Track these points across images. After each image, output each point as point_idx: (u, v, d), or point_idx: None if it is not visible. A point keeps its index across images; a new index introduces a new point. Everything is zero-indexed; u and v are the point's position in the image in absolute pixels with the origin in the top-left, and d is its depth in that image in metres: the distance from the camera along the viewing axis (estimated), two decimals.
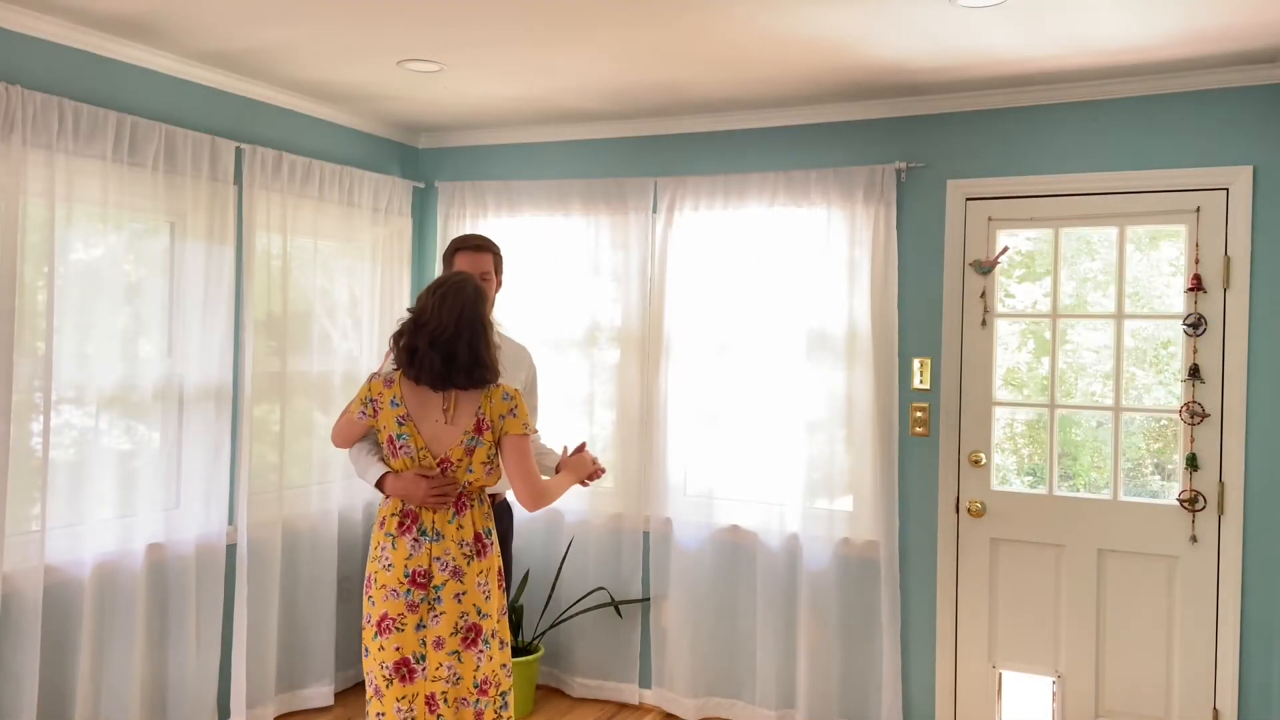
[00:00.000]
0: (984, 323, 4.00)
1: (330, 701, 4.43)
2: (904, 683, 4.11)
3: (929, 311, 4.09)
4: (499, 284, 3.40)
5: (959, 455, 4.04)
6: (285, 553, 4.27)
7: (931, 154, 4.09)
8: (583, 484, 3.18)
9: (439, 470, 2.83)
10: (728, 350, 4.41)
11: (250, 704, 4.09)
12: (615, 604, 4.51)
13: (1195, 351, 3.70)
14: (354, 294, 4.66)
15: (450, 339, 2.76)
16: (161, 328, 3.82)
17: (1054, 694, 3.91)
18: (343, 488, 4.59)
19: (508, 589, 3.22)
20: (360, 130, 4.76)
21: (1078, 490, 3.98)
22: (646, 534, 4.56)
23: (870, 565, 4.15)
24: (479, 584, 2.84)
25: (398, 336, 2.84)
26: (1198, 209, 3.70)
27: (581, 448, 3.21)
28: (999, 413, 4.05)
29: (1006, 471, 4.08)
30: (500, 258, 3.41)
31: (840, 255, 4.19)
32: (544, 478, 2.97)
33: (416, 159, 5.14)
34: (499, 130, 4.90)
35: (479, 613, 2.83)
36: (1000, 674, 4.00)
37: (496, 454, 2.87)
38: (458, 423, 2.83)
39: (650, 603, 4.54)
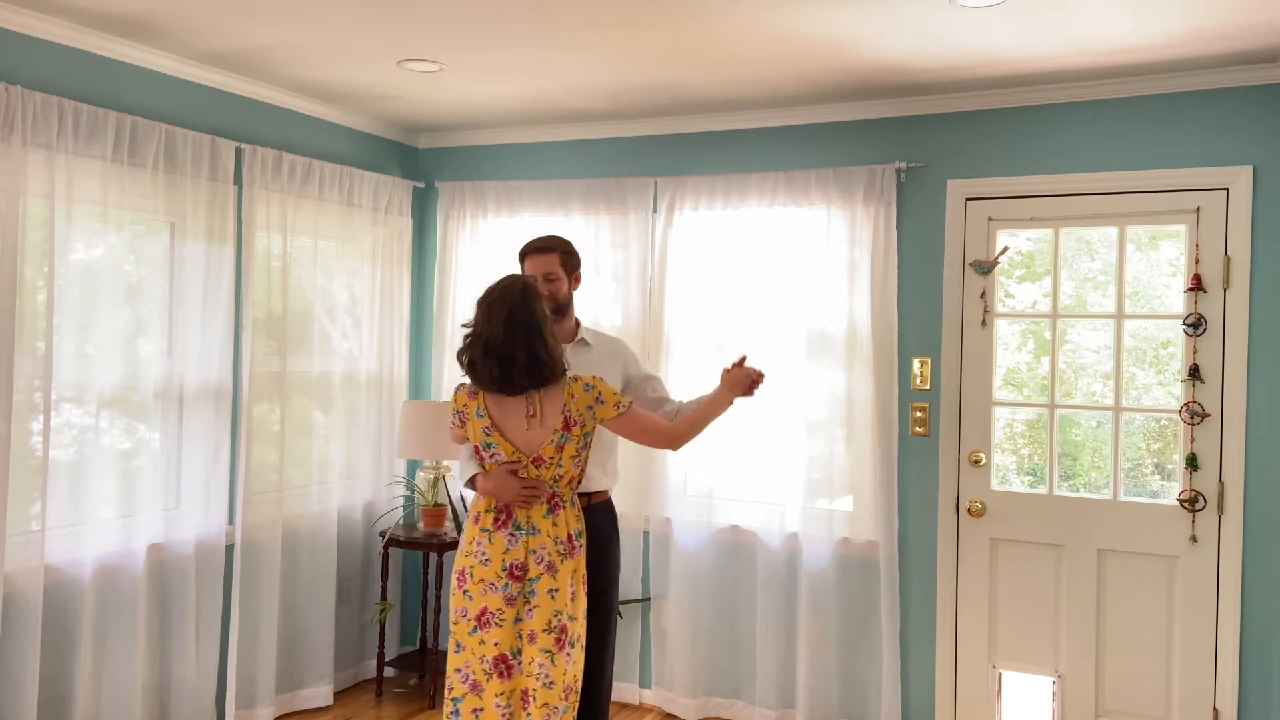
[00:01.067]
0: (984, 323, 4.00)
1: (330, 701, 4.43)
2: (904, 683, 4.11)
3: (929, 311, 4.09)
4: (577, 280, 3.26)
5: (959, 455, 4.04)
6: (285, 553, 4.26)
7: (931, 154, 4.09)
8: (746, 394, 3.08)
9: (533, 468, 2.87)
10: (728, 350, 4.40)
11: (250, 704, 4.09)
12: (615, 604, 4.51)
13: (1195, 351, 3.70)
14: (354, 294, 4.66)
15: (503, 343, 2.79)
16: (161, 328, 3.82)
17: (1054, 694, 3.91)
18: (343, 487, 4.59)
19: (615, 591, 3.22)
20: (360, 130, 4.76)
21: (1078, 490, 3.98)
22: (646, 534, 4.55)
23: (870, 565, 4.15)
24: (569, 585, 2.86)
25: (460, 353, 2.89)
26: (1198, 209, 3.70)
27: (741, 362, 3.11)
28: (999, 413, 4.05)
29: (1006, 471, 4.08)
30: (571, 254, 3.23)
31: (840, 255, 4.19)
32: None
33: (416, 159, 5.14)
34: (499, 130, 4.90)
35: (568, 615, 2.85)
36: (1000, 674, 4.00)
37: (585, 446, 2.90)
38: (547, 423, 2.85)
39: (650, 603, 4.53)
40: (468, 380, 2.93)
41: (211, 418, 3.93)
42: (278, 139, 4.29)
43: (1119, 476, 3.83)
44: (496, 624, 2.81)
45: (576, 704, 2.90)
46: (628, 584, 4.55)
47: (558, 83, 4.02)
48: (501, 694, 2.82)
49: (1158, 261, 3.88)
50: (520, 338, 2.78)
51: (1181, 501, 3.70)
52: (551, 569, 2.85)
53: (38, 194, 3.33)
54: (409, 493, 4.88)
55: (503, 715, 2.82)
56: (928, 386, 4.09)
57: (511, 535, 2.86)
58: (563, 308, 3.18)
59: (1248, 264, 3.62)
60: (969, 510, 4.02)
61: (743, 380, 3.05)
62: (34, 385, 3.35)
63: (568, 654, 2.83)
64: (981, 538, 4.01)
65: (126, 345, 3.67)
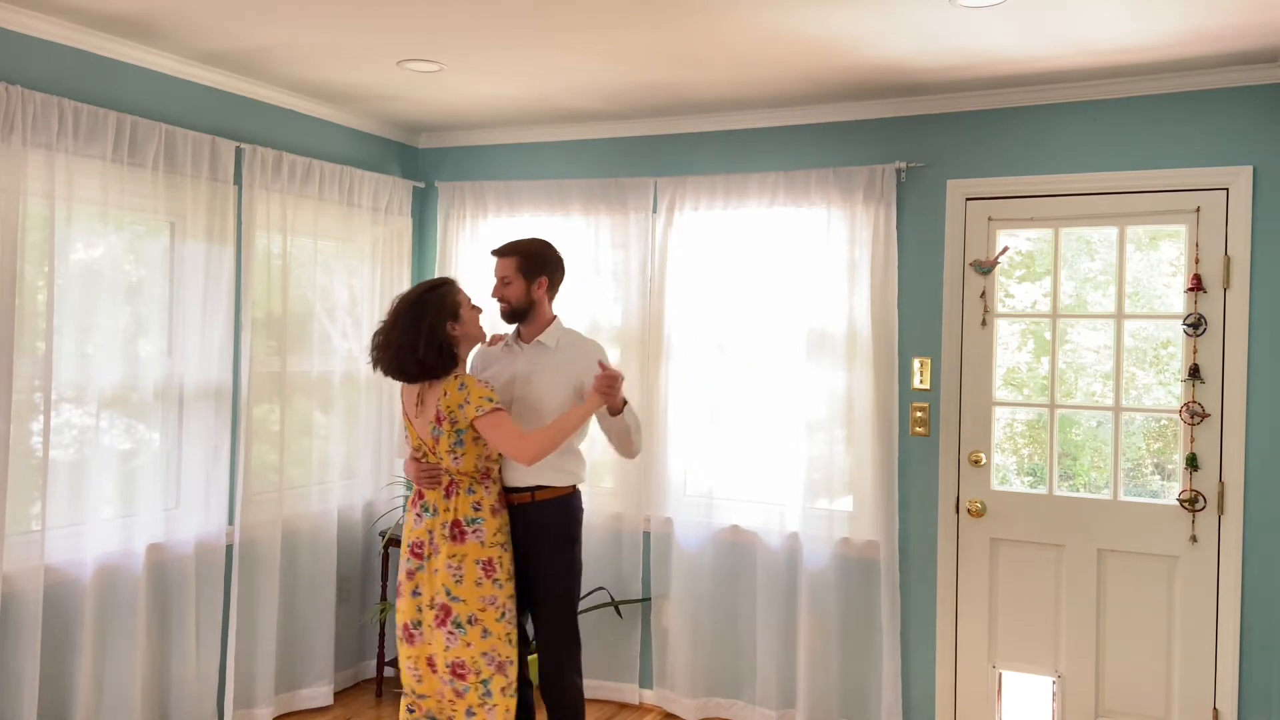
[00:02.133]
0: (984, 323, 4.00)
1: (329, 701, 4.43)
2: (904, 682, 4.11)
3: (929, 311, 4.09)
4: (542, 284, 3.24)
5: (959, 455, 4.04)
6: (285, 553, 4.27)
7: (931, 154, 4.09)
8: (606, 396, 3.06)
9: (432, 455, 3.13)
10: (728, 350, 4.41)
11: (250, 704, 4.09)
12: (615, 604, 4.51)
13: (1195, 351, 3.70)
14: (354, 294, 4.66)
15: (382, 339, 3.11)
16: (161, 328, 3.82)
17: (1054, 694, 3.91)
18: (342, 487, 4.59)
19: (562, 591, 3.21)
20: (360, 130, 4.76)
21: (1078, 490, 3.98)
22: (647, 534, 4.55)
23: (870, 565, 4.15)
24: (449, 566, 3.04)
25: None
26: (1198, 209, 3.70)
27: (601, 367, 3.11)
28: (999, 413, 4.05)
29: (1006, 471, 4.08)
30: (531, 257, 3.24)
31: (840, 255, 4.19)
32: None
33: (416, 159, 5.14)
34: (499, 130, 4.90)
35: (448, 594, 3.04)
36: (1000, 674, 4.00)
37: (459, 444, 3.06)
38: (425, 414, 3.10)
39: (650, 603, 4.54)
40: None
41: (211, 418, 3.93)
42: (278, 139, 4.29)
43: (1119, 476, 3.83)
44: (401, 594, 3.16)
45: (484, 689, 3.05)
46: (628, 584, 4.56)
47: (558, 83, 4.02)
48: (410, 658, 3.16)
49: (1158, 261, 3.88)
50: (399, 330, 3.05)
51: (1181, 501, 3.70)
52: (435, 551, 3.07)
53: (38, 194, 3.33)
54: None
55: (414, 677, 3.16)
56: (928, 386, 4.09)
57: (418, 516, 3.15)
58: (518, 311, 3.23)
59: (1248, 264, 3.62)
60: (969, 510, 4.02)
61: (599, 382, 3.06)
62: (34, 385, 3.34)
63: (451, 633, 3.03)
64: (981, 538, 4.01)
65: (126, 345, 3.67)
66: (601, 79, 3.94)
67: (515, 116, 4.64)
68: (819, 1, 3.03)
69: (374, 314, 4.73)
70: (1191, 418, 3.70)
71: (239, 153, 4.05)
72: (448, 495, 3.09)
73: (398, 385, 4.81)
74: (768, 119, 4.36)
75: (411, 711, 3.20)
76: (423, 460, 3.13)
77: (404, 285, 4.91)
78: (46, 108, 3.31)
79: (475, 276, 4.84)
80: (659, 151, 4.61)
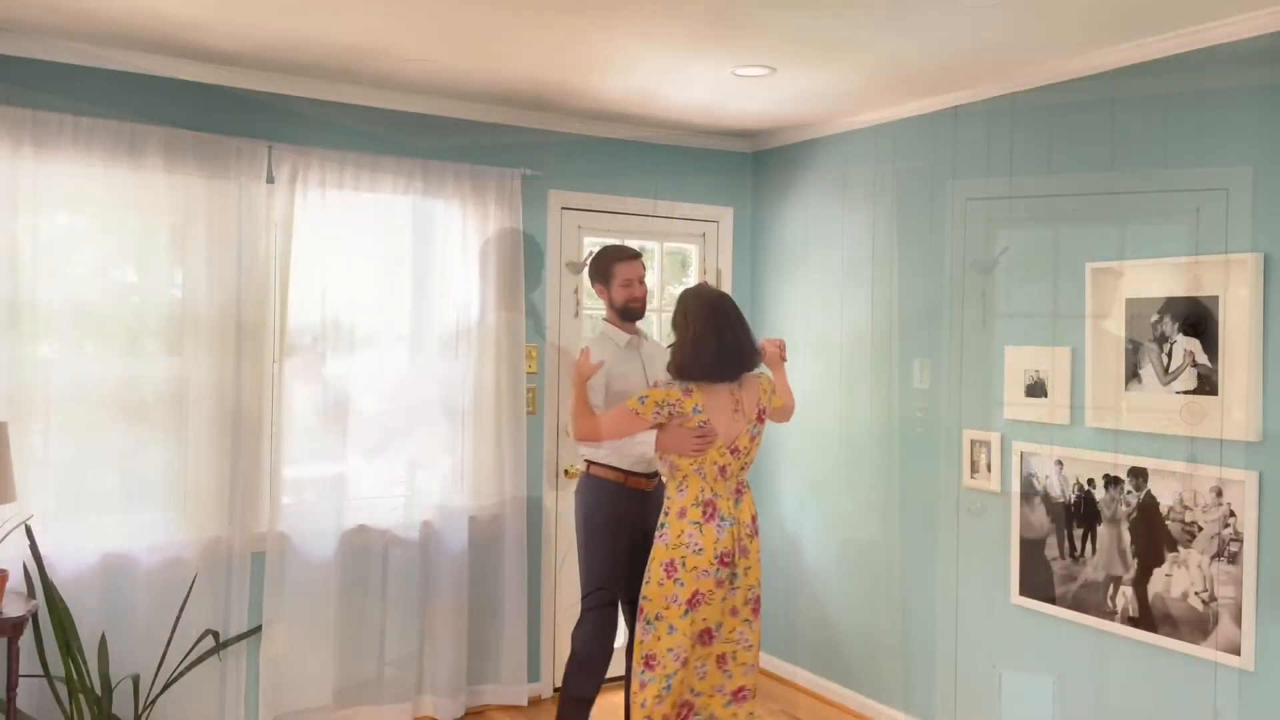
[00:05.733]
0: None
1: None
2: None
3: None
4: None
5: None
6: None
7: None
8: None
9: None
10: (356, 341, 4.17)
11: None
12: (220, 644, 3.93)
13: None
14: None
15: (732, 339, 3.44)
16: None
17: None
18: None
19: (584, 566, 3.71)
20: None
21: None
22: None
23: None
24: (758, 560, 3.41)
25: None
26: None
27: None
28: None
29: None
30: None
31: (470, 249, 4.30)
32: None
33: None
34: (46, 41, 3.50)
35: (759, 584, 3.41)
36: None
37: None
38: (745, 414, 3.42)
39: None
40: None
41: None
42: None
43: None
44: (709, 602, 3.30)
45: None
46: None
47: None
48: (700, 659, 3.37)
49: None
50: (744, 331, 3.49)
51: None
52: (745, 551, 3.39)
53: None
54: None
55: (699, 676, 3.37)
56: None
57: (718, 527, 3.32)
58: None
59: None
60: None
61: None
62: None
63: (759, 618, 3.47)
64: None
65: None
66: None
67: (80, 28, 3.38)
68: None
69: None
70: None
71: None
72: (738, 501, 3.37)
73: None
74: (406, 102, 4.18)
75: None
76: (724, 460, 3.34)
77: None
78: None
79: None
80: (276, 114, 4.02)
